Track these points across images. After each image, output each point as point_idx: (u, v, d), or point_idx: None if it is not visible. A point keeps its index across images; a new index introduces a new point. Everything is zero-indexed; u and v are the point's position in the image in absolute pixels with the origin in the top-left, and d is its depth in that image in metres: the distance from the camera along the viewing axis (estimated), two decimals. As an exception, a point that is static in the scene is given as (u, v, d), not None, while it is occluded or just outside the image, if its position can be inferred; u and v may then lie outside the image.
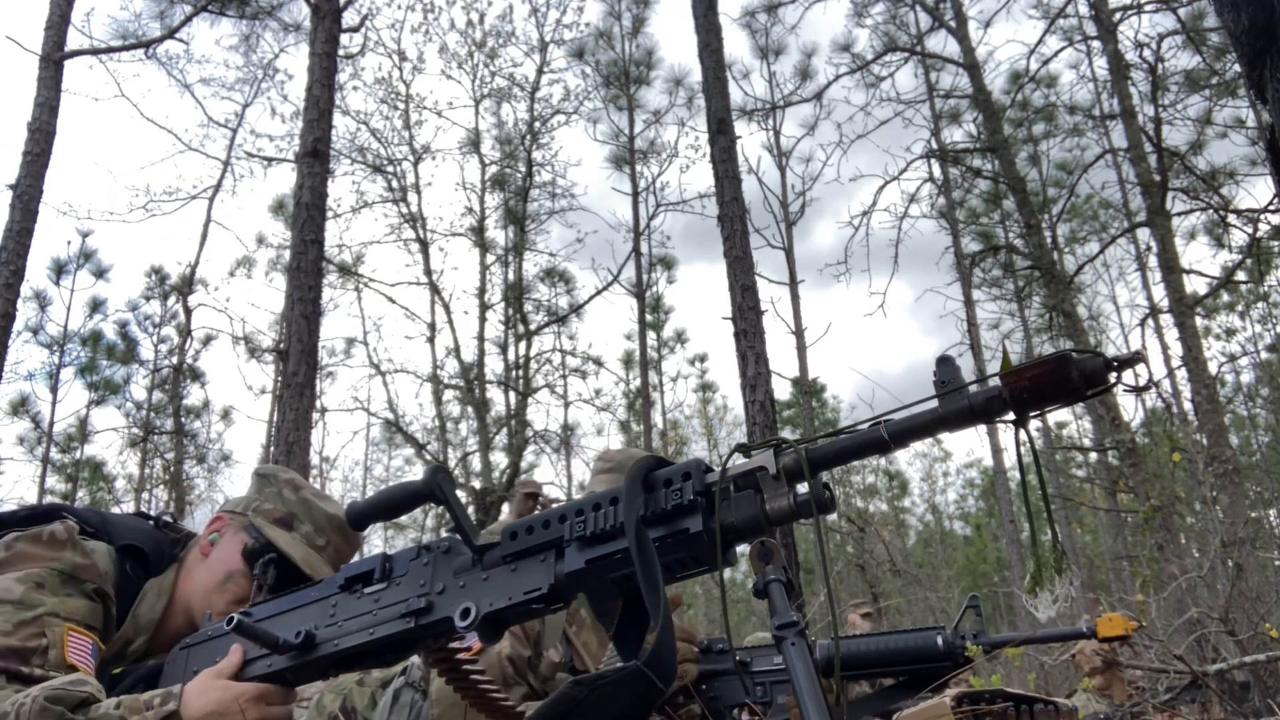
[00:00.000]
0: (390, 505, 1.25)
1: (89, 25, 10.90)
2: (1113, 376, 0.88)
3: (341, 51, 8.89)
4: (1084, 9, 13.16)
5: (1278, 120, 1.34)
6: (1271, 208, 10.07)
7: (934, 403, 0.97)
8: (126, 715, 1.24)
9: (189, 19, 11.37)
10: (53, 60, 8.39)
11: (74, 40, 8.95)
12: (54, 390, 17.32)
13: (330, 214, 11.68)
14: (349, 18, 8.72)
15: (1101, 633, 2.12)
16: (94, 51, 10.84)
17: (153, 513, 1.90)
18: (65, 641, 1.47)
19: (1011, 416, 0.93)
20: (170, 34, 11.30)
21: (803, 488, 1.05)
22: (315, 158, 7.71)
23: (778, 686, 2.28)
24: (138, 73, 18.34)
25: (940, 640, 2.02)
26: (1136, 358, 0.87)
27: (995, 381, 0.93)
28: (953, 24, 13.49)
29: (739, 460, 1.09)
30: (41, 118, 8.16)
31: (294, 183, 8.44)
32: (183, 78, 14.81)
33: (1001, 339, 16.04)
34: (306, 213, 7.50)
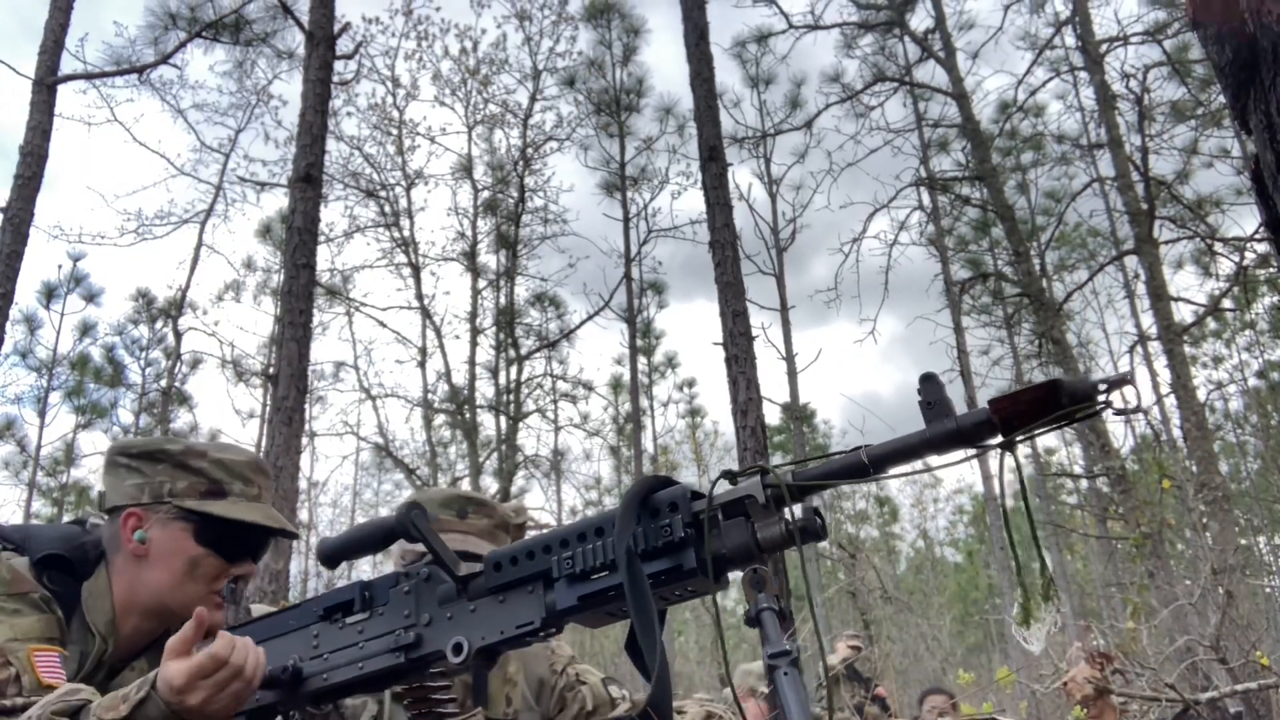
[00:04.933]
0: (362, 543, 1.23)
1: (83, 50, 10.90)
2: (1102, 398, 0.87)
3: (335, 78, 8.92)
4: (1071, 41, 13.33)
5: (1262, 150, 1.35)
6: (1257, 237, 10.16)
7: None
8: (103, 714, 1.21)
9: (183, 45, 11.39)
10: (46, 84, 8.40)
11: (67, 65, 8.96)
12: (42, 414, 17.22)
13: (322, 238, 11.68)
14: (343, 45, 8.76)
15: None
16: (87, 76, 10.85)
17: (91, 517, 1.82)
18: (33, 663, 1.43)
19: (999, 440, 0.92)
20: (164, 60, 11.33)
21: (794, 513, 1.04)
22: (308, 183, 7.72)
23: None
24: (131, 97, 18.41)
25: None
26: (1124, 379, 0.87)
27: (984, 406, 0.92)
28: (941, 54, 13.64)
29: (726, 487, 1.08)
30: (34, 141, 8.15)
31: (286, 207, 8.45)
32: (176, 103, 14.77)
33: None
34: (299, 237, 7.50)
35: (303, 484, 15.89)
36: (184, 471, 1.67)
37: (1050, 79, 13.92)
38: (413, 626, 1.19)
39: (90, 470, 18.40)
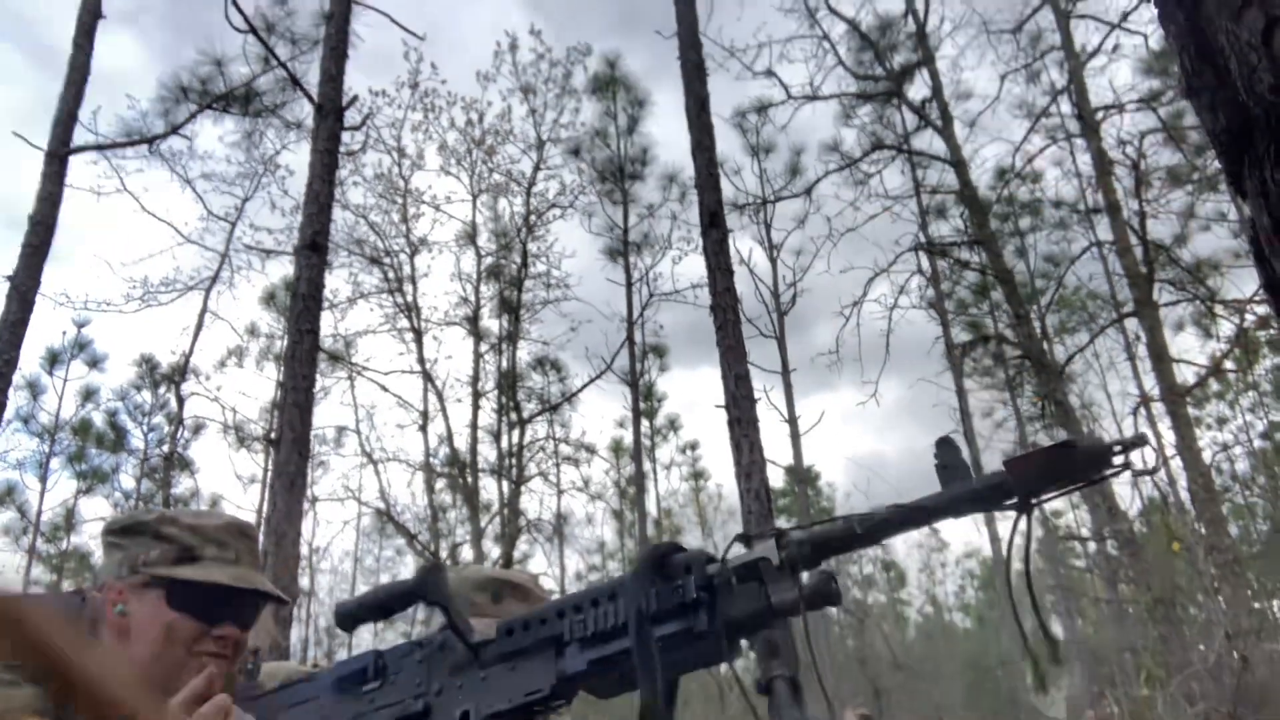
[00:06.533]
0: (380, 605, 1.22)
1: (95, 122, 11.14)
2: (1118, 460, 0.87)
3: (342, 149, 9.08)
4: (1067, 109, 13.58)
5: (1258, 215, 1.37)
6: (1257, 299, 10.22)
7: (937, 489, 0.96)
8: None
9: (193, 116, 11.63)
10: (58, 156, 8.55)
11: (80, 136, 9.13)
12: (43, 480, 17.16)
13: (326, 304, 11.77)
14: (351, 116, 8.91)
15: None
16: (99, 147, 11.03)
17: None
18: None
19: (1014, 501, 0.92)
20: (174, 130, 11.54)
21: (807, 578, 1.03)
22: (314, 250, 7.80)
23: None
24: (141, 167, 18.60)
25: None
26: (1140, 439, 0.87)
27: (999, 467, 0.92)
28: (939, 123, 13.86)
29: (740, 551, 1.08)
30: (43, 211, 8.27)
31: (291, 274, 8.54)
32: (184, 172, 14.99)
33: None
34: (303, 303, 7.55)
35: (304, 549, 15.75)
36: (158, 540, 1.67)
37: (1047, 146, 14.16)
38: (422, 695, 1.18)
39: (90, 536, 18.27)
